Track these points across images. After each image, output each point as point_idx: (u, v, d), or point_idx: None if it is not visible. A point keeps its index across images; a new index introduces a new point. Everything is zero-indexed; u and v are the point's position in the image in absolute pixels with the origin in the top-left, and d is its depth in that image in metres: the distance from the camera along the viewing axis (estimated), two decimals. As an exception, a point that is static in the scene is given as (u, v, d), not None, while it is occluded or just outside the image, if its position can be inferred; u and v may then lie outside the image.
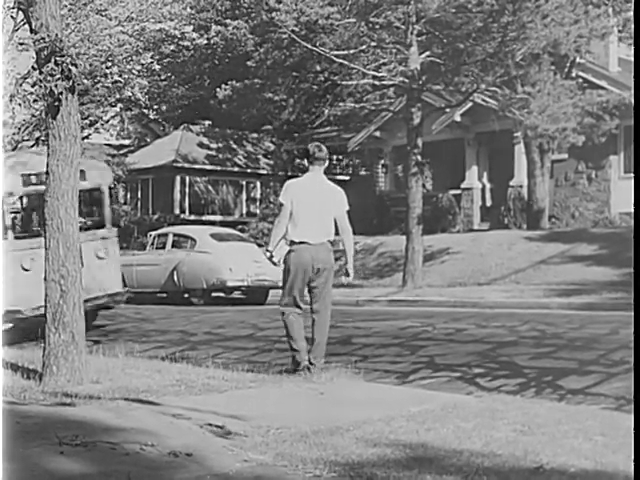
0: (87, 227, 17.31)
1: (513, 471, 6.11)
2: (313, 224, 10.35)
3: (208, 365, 11.30)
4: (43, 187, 16.96)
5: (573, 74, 28.30)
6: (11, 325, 15.47)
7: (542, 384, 10.11)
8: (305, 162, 10.80)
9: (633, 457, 5.32)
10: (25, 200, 18.30)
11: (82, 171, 17.01)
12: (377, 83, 24.99)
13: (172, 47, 29.65)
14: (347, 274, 10.70)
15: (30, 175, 16.20)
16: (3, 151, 18.97)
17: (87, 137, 25.15)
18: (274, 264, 10.75)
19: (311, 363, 10.42)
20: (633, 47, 6.19)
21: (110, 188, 18.04)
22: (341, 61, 23.75)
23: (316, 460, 6.35)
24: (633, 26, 6.51)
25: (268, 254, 10.69)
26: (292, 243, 10.40)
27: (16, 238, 16.56)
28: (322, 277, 10.41)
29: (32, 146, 26.22)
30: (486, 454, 6.50)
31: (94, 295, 16.76)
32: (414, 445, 6.81)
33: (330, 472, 6.12)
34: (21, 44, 15.43)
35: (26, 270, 15.77)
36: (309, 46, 23.04)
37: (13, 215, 17.44)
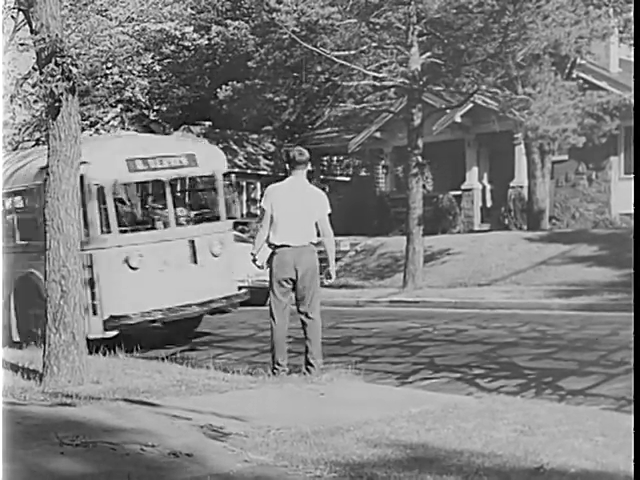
0: (198, 220, 15.46)
1: (513, 471, 6.11)
2: (294, 227, 10.40)
3: (209, 366, 11.31)
4: (153, 173, 14.63)
5: (574, 75, 28.30)
6: (115, 333, 13.64)
7: (542, 385, 10.11)
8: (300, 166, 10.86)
9: (633, 457, 5.33)
10: (128, 188, 15.61)
11: (192, 155, 15.08)
12: (378, 84, 24.98)
13: (172, 47, 29.65)
14: (329, 276, 10.69)
15: (135, 160, 14.29)
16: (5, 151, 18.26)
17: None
18: (259, 267, 10.77)
19: (310, 364, 10.44)
20: (633, 48, 6.19)
21: (224, 175, 15.74)
22: (342, 62, 23.71)
23: (316, 460, 6.36)
24: (633, 27, 6.52)
25: (251, 258, 10.74)
26: (274, 246, 10.45)
27: (121, 232, 14.27)
28: (306, 279, 10.44)
29: (33, 147, 26.25)
30: (486, 454, 6.51)
31: (209, 298, 14.67)
32: (414, 445, 6.81)
33: (330, 472, 6.13)
34: (22, 44, 15.41)
35: (133, 269, 13.89)
36: (310, 47, 23.02)
37: (117, 204, 14.55)
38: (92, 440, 6.81)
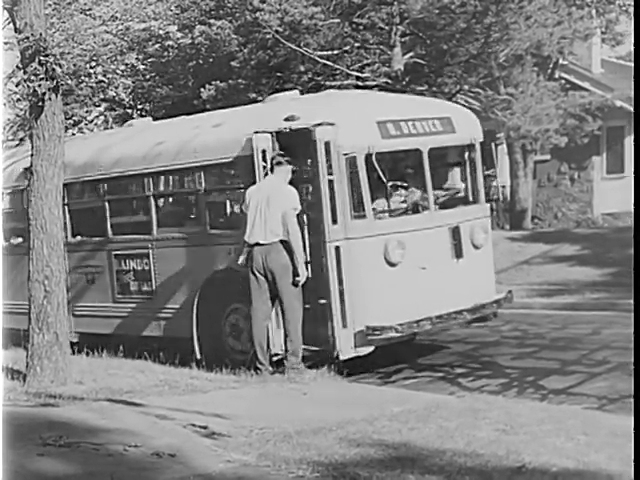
0: (452, 202, 12.10)
1: (495, 470, 6.14)
2: (261, 225, 10.46)
3: (191, 365, 11.33)
4: (409, 140, 11.25)
5: (556, 75, 28.37)
6: (370, 350, 10.77)
7: (524, 384, 10.14)
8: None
9: (633, 457, 5.35)
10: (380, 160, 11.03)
11: (448, 119, 12.04)
12: (361, 84, 24.95)
13: (156, 47, 29.61)
14: (296, 274, 10.48)
15: (387, 123, 11.07)
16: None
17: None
18: (241, 265, 10.83)
19: (287, 359, 10.49)
20: (633, 48, 6.24)
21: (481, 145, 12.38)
22: (325, 62, 23.73)
23: (299, 460, 6.37)
24: (633, 26, 6.56)
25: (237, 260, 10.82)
26: (248, 245, 10.54)
27: (376, 216, 11.06)
28: (277, 277, 10.46)
29: (15, 146, 26.18)
30: (468, 454, 6.53)
31: (480, 302, 11.48)
32: (397, 445, 6.83)
33: (313, 472, 6.14)
34: (5, 43, 15.31)
35: (392, 265, 10.80)
36: (293, 46, 23.02)
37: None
38: (75, 440, 6.81)
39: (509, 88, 23.80)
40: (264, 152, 10.89)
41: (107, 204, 13.35)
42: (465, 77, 23.62)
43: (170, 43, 29.99)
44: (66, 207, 13.31)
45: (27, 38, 9.61)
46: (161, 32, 29.69)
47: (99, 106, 30.37)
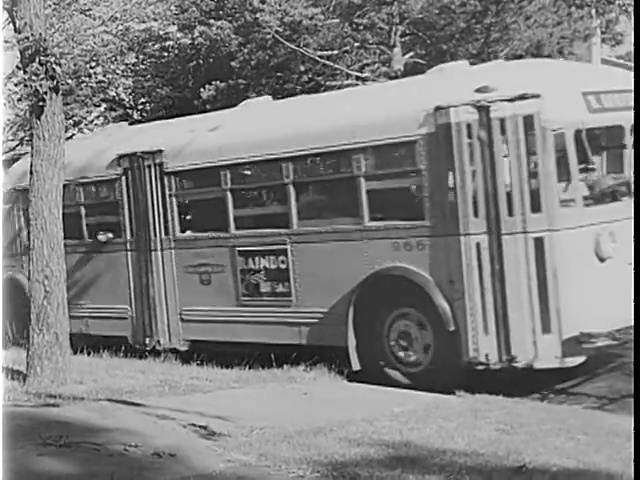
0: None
1: (496, 470, 6.14)
2: None
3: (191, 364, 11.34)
4: (611, 115, 9.89)
5: (556, 75, 28.36)
6: (580, 360, 9.29)
7: (525, 384, 10.13)
8: None
9: (633, 457, 5.36)
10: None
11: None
12: (361, 84, 25.00)
13: (156, 47, 29.59)
14: None
15: (589, 95, 9.69)
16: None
17: (71, 137, 25.24)
18: None
19: None
20: (633, 47, 6.24)
21: None
22: (325, 62, 23.72)
23: (299, 460, 6.37)
24: (633, 25, 6.59)
25: None
26: None
27: (565, 205, 9.42)
28: None
29: (15, 147, 26.14)
30: (469, 453, 6.54)
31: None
32: (397, 445, 6.83)
33: (313, 472, 6.14)
34: (5, 42, 15.31)
35: (602, 260, 9.31)
36: (293, 46, 23.01)
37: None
38: (75, 440, 6.81)
39: (509, 88, 23.78)
40: (469, 127, 9.53)
41: (230, 194, 11.80)
42: (465, 77, 23.60)
43: (170, 43, 29.98)
44: (174, 199, 12.35)
45: (27, 38, 9.62)
46: (161, 32, 29.66)
47: (99, 106, 30.30)
